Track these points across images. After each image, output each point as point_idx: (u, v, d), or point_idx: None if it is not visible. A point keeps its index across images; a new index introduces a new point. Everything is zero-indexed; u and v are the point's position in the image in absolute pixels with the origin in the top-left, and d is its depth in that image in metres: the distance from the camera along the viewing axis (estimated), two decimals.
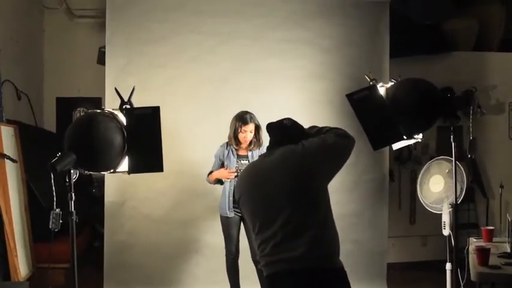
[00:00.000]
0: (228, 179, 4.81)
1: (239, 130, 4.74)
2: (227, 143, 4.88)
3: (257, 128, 4.79)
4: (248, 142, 4.80)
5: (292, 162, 2.80)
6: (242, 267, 5.00)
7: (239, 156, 4.86)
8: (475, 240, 4.56)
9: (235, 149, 4.86)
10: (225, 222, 4.90)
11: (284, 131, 2.97)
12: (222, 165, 4.90)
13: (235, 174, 4.75)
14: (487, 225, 5.51)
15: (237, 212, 4.78)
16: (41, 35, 7.00)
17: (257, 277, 4.73)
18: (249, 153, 4.84)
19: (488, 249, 3.81)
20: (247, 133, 4.76)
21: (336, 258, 2.76)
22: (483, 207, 6.78)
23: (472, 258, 3.91)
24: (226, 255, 4.96)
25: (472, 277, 3.69)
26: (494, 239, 4.54)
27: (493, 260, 3.77)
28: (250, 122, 4.75)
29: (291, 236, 2.69)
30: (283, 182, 2.76)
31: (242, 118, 4.75)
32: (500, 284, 3.85)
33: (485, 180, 6.81)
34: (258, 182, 2.85)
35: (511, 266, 3.69)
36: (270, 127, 3.02)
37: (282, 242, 2.70)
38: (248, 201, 2.88)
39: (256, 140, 4.82)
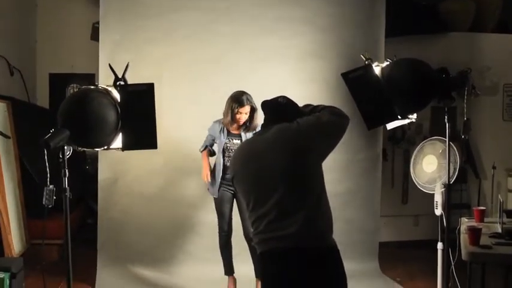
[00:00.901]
0: (204, 178, 4.90)
1: (235, 111, 4.69)
2: (221, 120, 4.87)
3: (252, 109, 4.74)
4: (243, 122, 4.78)
5: (287, 140, 2.79)
6: (235, 245, 5.02)
7: (231, 135, 4.84)
8: (466, 220, 4.58)
9: (228, 129, 4.84)
10: (218, 199, 4.90)
11: (278, 108, 2.95)
12: (214, 141, 4.94)
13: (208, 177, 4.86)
14: (478, 206, 5.54)
15: (230, 189, 4.79)
16: (34, 10, 6.93)
17: (250, 254, 4.76)
18: (242, 134, 4.81)
19: (480, 229, 3.82)
20: (242, 114, 4.71)
21: (329, 236, 2.77)
22: (475, 187, 6.81)
23: (464, 238, 3.92)
24: (219, 232, 4.98)
25: (463, 257, 3.71)
26: (486, 219, 4.56)
27: (484, 240, 3.79)
28: (247, 104, 4.69)
29: (285, 214, 2.70)
30: (277, 159, 2.76)
31: (239, 100, 4.68)
32: (491, 263, 3.88)
33: (478, 161, 6.85)
34: (252, 159, 2.85)
35: (501, 246, 3.70)
36: (265, 105, 3.01)
37: (275, 219, 2.70)
38: (242, 179, 2.88)
39: (250, 122, 4.78)
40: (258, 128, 4.64)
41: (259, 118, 4.19)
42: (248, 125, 4.79)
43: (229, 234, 4.98)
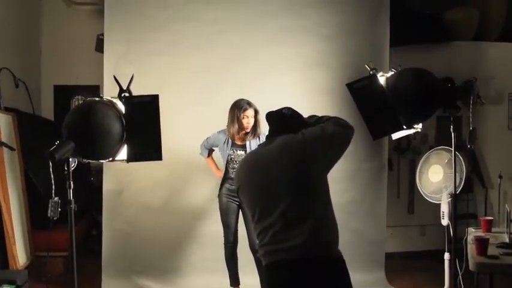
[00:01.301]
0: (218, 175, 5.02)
1: (241, 117, 4.75)
2: (225, 130, 4.90)
3: (256, 112, 4.80)
4: (251, 127, 4.79)
5: (292, 151, 2.80)
6: (241, 256, 5.02)
7: (236, 146, 4.87)
8: (473, 230, 4.56)
9: (232, 141, 4.86)
10: (223, 211, 4.92)
11: (283, 120, 2.96)
12: (212, 151, 5.04)
13: (221, 175, 4.96)
14: (485, 216, 5.51)
15: (235, 200, 4.80)
16: (39, 22, 6.97)
17: (255, 266, 4.75)
18: (247, 143, 4.84)
19: (487, 240, 3.79)
20: (249, 118, 4.77)
21: (335, 247, 2.77)
22: (482, 197, 6.78)
23: (471, 248, 3.89)
24: (225, 243, 4.98)
25: (471, 267, 3.68)
26: (493, 230, 4.52)
27: (491, 250, 3.75)
28: (250, 107, 4.77)
29: (290, 225, 2.70)
30: (282, 170, 2.76)
31: (241, 105, 4.77)
32: (499, 273, 3.84)
33: (484, 170, 6.82)
34: (258, 170, 2.85)
35: (509, 256, 3.67)
36: (270, 116, 3.02)
37: (281, 230, 2.70)
38: (247, 190, 2.88)
39: (255, 126, 4.81)
40: (263, 136, 4.68)
41: (264, 125, 4.20)
42: (254, 131, 4.82)
43: (234, 245, 4.98)
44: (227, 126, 4.85)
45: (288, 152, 2.80)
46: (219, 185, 4.97)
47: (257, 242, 2.84)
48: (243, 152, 4.81)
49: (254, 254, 4.73)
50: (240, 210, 4.89)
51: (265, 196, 2.78)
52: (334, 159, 2.88)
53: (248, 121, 4.77)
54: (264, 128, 4.20)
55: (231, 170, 4.84)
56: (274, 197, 2.74)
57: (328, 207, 2.80)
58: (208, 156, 5.11)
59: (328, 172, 2.84)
